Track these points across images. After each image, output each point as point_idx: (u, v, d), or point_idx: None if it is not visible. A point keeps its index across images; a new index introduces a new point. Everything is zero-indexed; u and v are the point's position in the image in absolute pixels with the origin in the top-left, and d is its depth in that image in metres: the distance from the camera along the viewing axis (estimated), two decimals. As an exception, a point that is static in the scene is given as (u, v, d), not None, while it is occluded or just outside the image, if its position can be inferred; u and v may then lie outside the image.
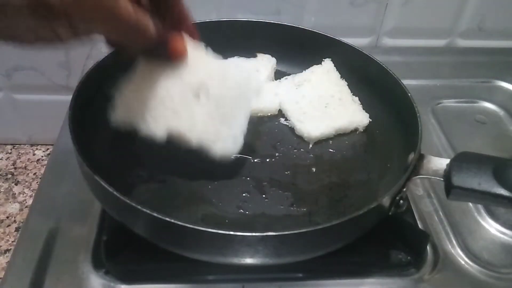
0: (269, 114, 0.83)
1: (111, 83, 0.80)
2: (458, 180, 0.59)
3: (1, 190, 1.12)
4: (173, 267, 0.64)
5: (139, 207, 0.55)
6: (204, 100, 0.63)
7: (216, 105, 0.64)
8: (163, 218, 0.54)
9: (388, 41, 1.11)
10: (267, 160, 0.74)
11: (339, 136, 0.80)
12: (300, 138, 0.79)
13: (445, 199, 0.63)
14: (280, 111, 0.83)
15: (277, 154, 0.75)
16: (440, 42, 1.12)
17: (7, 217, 1.06)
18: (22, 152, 1.22)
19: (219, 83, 0.64)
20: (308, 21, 1.05)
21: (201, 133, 0.63)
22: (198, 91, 0.63)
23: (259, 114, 0.82)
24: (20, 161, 1.20)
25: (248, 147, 0.76)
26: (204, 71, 0.63)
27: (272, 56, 0.91)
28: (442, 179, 0.62)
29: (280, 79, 0.88)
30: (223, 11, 1.03)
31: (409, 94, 0.73)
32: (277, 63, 0.91)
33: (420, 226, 0.72)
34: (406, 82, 0.76)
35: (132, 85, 0.64)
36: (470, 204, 0.76)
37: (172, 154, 0.73)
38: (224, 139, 0.64)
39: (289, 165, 0.75)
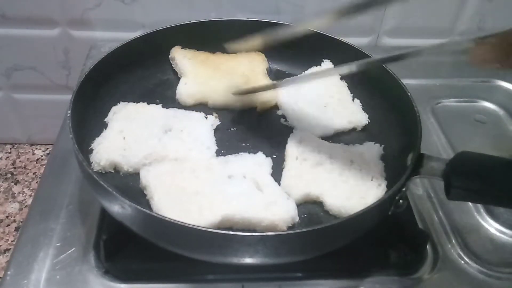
0: (267, 104, 0.83)
1: (110, 83, 0.80)
2: (458, 180, 0.59)
3: (1, 189, 1.12)
4: (173, 267, 0.64)
5: (139, 207, 0.55)
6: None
7: None
8: (163, 218, 0.54)
9: (388, 41, 1.11)
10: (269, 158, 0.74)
11: (338, 135, 0.80)
12: (299, 137, 0.79)
13: (445, 199, 0.63)
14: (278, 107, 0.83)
15: (276, 153, 0.75)
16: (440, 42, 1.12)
17: (7, 217, 1.06)
18: (22, 151, 1.22)
19: None
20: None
21: None
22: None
23: (258, 107, 0.83)
24: (20, 161, 1.20)
25: (249, 146, 0.76)
26: None
27: (272, 55, 0.91)
28: (441, 178, 0.62)
29: (280, 80, 0.88)
30: (223, 10, 1.03)
31: (409, 94, 0.73)
32: (277, 62, 0.91)
33: (420, 226, 0.72)
34: (406, 81, 0.76)
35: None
36: (470, 204, 0.76)
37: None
38: None
39: (289, 164, 0.74)
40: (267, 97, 0.83)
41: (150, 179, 0.65)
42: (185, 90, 0.83)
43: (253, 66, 0.88)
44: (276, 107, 0.84)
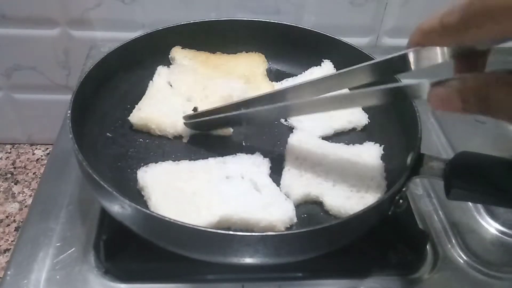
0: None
1: (110, 83, 0.80)
2: (458, 180, 0.59)
3: (1, 189, 1.12)
4: (173, 267, 0.64)
5: (139, 207, 0.55)
6: None
7: None
8: (163, 217, 0.54)
9: (388, 41, 1.11)
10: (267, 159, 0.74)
11: (338, 135, 0.80)
12: (299, 137, 0.79)
13: (445, 199, 0.63)
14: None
15: (276, 153, 0.75)
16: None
17: (7, 217, 1.06)
18: (22, 151, 1.22)
19: None
20: (308, 21, 1.05)
21: None
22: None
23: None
24: (20, 161, 1.20)
25: (249, 146, 0.76)
26: None
27: (272, 55, 0.91)
28: (441, 178, 0.62)
29: (280, 80, 0.88)
30: (223, 10, 1.03)
31: (409, 94, 0.73)
32: (277, 62, 0.91)
33: (419, 226, 0.71)
34: (406, 82, 0.76)
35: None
36: (470, 204, 0.76)
37: (170, 154, 0.74)
38: None
39: (289, 164, 0.74)
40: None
41: (148, 180, 0.65)
42: None
43: (253, 66, 0.88)
44: (276, 107, 0.84)
